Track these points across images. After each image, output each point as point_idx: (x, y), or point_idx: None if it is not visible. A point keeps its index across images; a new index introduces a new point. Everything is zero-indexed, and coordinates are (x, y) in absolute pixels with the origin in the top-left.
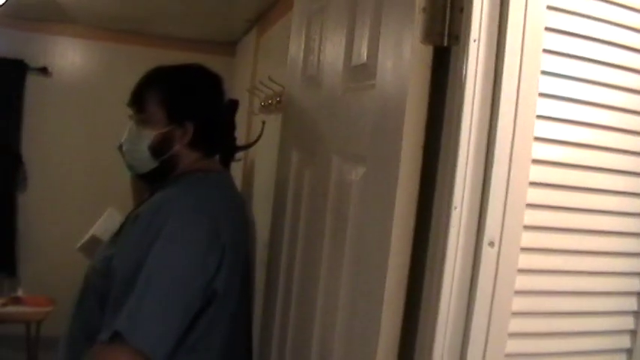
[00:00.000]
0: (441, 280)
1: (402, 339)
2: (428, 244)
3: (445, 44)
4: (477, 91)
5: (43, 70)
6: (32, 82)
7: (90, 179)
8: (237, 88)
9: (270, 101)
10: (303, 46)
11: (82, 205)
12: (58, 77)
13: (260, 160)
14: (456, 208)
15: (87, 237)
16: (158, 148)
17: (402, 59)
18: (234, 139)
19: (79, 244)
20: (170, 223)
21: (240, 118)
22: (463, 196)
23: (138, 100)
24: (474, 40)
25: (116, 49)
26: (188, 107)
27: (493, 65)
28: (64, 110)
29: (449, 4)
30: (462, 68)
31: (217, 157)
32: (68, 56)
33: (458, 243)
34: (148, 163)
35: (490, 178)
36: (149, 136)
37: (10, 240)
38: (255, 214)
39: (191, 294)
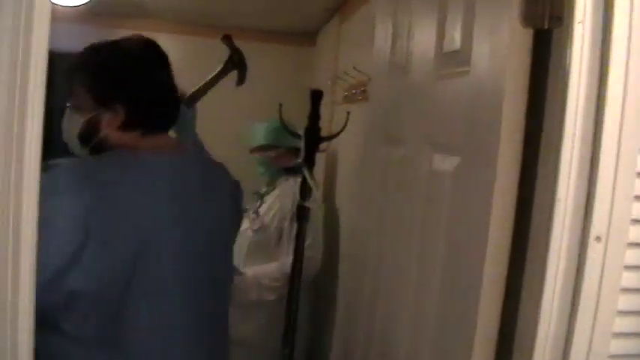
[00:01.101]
0: (543, 278)
1: (499, 337)
2: (528, 239)
3: (546, 27)
4: (582, 76)
5: None
6: None
7: None
8: (319, 78)
9: (354, 91)
10: (390, 34)
11: None
12: None
13: (343, 150)
14: (559, 200)
15: None
16: (86, 135)
17: (500, 44)
18: (318, 129)
19: None
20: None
21: (323, 108)
22: (568, 189)
23: (68, 86)
24: (579, 22)
25: (197, 43)
26: (112, 89)
27: (599, 49)
28: None
29: None
30: (565, 53)
31: (173, 134)
32: None
33: (562, 238)
34: (80, 151)
35: (597, 170)
36: (78, 123)
37: None
38: (338, 206)
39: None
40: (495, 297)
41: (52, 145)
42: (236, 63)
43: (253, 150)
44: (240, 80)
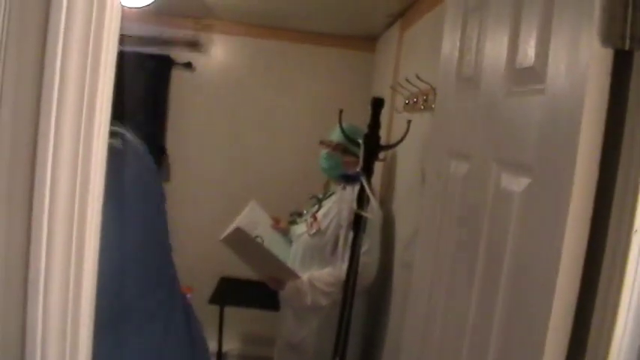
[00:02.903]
0: (615, 313)
1: None
2: (601, 270)
3: (627, 48)
4: None
5: (188, 65)
6: (177, 76)
7: (230, 173)
8: (378, 84)
9: (415, 99)
10: (458, 45)
11: (223, 198)
12: (202, 72)
13: (402, 158)
14: (637, 231)
15: (231, 229)
16: None
17: (578, 63)
18: (378, 138)
19: (223, 236)
20: None
21: (382, 116)
22: None
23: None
24: None
25: (257, 44)
26: None
27: None
28: (207, 104)
29: (631, 3)
30: None
31: None
32: (211, 51)
33: (637, 271)
34: None
35: None
36: None
37: None
38: (395, 215)
39: None
40: (564, 329)
41: None
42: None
43: (323, 142)
44: None
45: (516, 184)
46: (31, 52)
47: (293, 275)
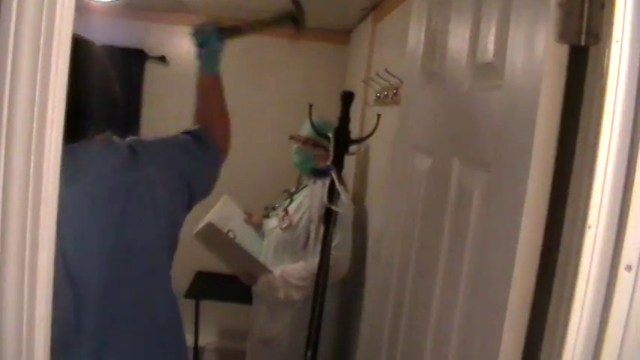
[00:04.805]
0: (570, 307)
1: None
2: (556, 265)
3: (582, 43)
4: (618, 96)
5: (162, 59)
6: (151, 70)
7: None
8: (351, 77)
9: (385, 93)
10: (423, 39)
11: None
12: (176, 66)
13: (374, 152)
14: (590, 227)
15: (202, 224)
16: None
17: (534, 59)
18: (348, 132)
19: (195, 231)
20: None
21: (355, 109)
22: (599, 214)
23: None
24: (617, 41)
25: None
26: None
27: (638, 70)
28: (181, 98)
29: None
30: (601, 71)
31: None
32: (185, 45)
33: (591, 266)
34: None
35: (631, 196)
36: None
37: None
38: (368, 208)
39: None
40: (520, 320)
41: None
42: (295, 18)
43: (293, 137)
44: (295, 35)
45: (477, 179)
46: None
47: (265, 270)
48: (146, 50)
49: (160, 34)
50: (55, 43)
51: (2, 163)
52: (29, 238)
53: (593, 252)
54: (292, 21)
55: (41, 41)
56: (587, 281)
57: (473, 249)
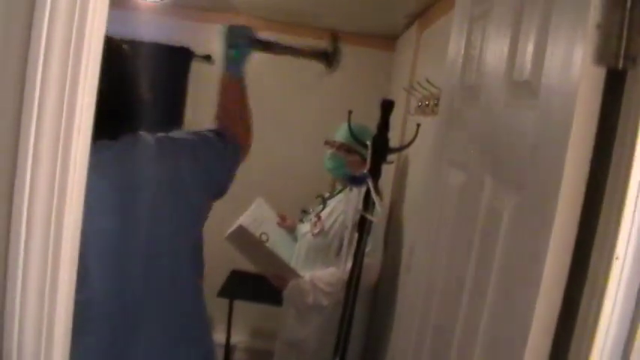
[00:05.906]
0: (593, 339)
1: None
2: (582, 294)
3: (620, 67)
4: None
5: (207, 58)
6: (196, 69)
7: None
8: (396, 84)
9: (427, 102)
10: (462, 52)
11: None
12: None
13: (413, 162)
14: (617, 258)
15: (235, 226)
16: None
17: (570, 80)
18: (386, 140)
19: (227, 233)
20: None
21: (396, 117)
22: (627, 246)
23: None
24: None
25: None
26: None
27: None
28: None
29: (627, 21)
30: (638, 96)
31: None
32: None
33: (616, 298)
34: None
35: None
36: None
37: None
38: (404, 217)
39: None
40: (543, 345)
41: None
42: (329, 60)
43: (327, 142)
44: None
45: (507, 200)
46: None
47: (295, 274)
48: (192, 49)
49: (206, 33)
50: (85, 47)
51: (29, 161)
52: (53, 232)
53: (619, 284)
54: (325, 60)
55: (72, 46)
56: (612, 314)
57: (499, 271)
